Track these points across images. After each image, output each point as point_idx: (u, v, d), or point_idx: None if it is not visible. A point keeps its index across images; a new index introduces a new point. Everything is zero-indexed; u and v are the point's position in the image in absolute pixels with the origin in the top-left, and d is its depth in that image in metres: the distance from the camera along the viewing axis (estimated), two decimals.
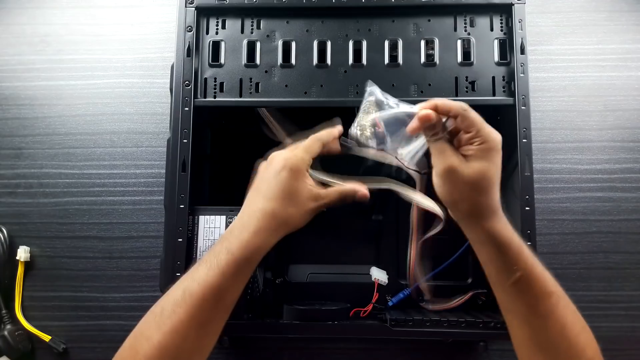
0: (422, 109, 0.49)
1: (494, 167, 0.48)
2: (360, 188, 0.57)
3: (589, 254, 0.78)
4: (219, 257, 0.50)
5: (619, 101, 0.81)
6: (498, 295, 0.51)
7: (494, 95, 0.66)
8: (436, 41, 0.67)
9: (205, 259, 0.51)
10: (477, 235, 0.49)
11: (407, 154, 0.52)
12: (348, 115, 0.60)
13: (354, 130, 0.54)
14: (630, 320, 0.77)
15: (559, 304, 0.48)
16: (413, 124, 0.48)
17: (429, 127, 0.49)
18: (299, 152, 0.55)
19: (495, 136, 0.48)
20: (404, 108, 0.51)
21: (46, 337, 0.78)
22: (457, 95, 0.66)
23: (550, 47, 0.83)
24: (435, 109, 0.48)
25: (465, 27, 0.68)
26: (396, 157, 0.56)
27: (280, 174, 0.53)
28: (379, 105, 0.52)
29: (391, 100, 0.53)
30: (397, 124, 0.51)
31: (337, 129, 0.60)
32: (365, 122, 0.53)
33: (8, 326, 0.77)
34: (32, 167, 0.83)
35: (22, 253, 0.79)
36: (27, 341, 0.78)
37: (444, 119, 0.49)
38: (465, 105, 0.48)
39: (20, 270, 0.79)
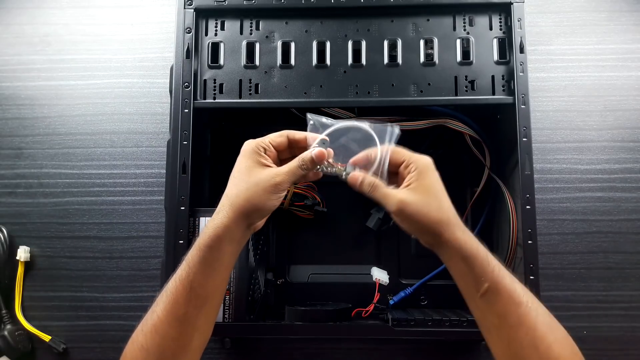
0: (352, 176, 0.52)
1: (435, 184, 0.50)
2: (308, 154, 0.52)
3: (589, 254, 0.78)
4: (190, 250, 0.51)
5: (619, 101, 0.81)
6: (472, 310, 0.51)
7: (493, 94, 0.66)
8: (435, 41, 0.67)
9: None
10: (444, 251, 0.50)
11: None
12: None
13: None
14: (630, 320, 0.77)
15: (529, 314, 0.47)
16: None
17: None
18: (259, 138, 0.54)
19: (424, 159, 0.51)
20: (341, 123, 0.54)
21: (46, 337, 0.78)
22: (456, 95, 0.66)
23: (550, 47, 0.83)
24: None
25: (464, 26, 0.68)
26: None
27: (238, 158, 0.53)
28: (322, 127, 0.54)
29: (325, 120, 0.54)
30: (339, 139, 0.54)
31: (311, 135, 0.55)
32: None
33: (8, 326, 0.77)
34: (32, 167, 0.83)
35: (22, 253, 0.79)
36: (27, 341, 0.78)
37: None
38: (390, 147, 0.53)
39: (20, 270, 0.79)
